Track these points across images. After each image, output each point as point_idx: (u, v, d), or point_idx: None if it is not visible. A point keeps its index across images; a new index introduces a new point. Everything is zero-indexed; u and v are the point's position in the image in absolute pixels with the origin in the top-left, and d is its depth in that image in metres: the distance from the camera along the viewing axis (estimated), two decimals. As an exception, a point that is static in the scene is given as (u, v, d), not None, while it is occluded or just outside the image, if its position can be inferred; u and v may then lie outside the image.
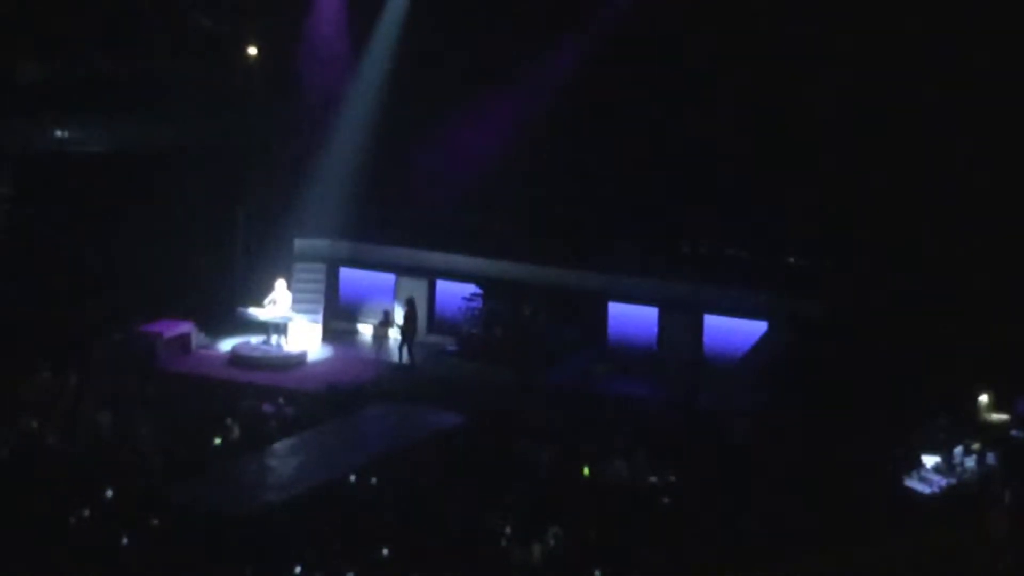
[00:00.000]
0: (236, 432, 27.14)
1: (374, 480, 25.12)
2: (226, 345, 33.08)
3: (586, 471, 25.86)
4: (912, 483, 25.48)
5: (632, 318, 32.73)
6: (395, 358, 32.67)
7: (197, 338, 33.03)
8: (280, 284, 33.01)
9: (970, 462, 26.04)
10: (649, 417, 28.90)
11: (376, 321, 33.14)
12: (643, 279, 32.63)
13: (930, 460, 25.89)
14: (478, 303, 33.21)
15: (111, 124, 34.75)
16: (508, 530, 23.10)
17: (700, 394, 30.05)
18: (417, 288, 34.32)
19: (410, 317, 32.79)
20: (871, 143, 31.36)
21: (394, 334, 33.12)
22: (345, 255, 35.05)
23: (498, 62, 34.03)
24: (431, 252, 34.24)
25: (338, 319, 34.84)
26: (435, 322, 34.50)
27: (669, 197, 33.18)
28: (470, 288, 33.45)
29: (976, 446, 26.33)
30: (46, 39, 34.65)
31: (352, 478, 25.42)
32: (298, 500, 24.63)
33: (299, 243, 34.56)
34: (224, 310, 33.58)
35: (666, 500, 24.75)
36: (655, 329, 32.56)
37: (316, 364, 32.72)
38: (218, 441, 26.85)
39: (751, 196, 32.26)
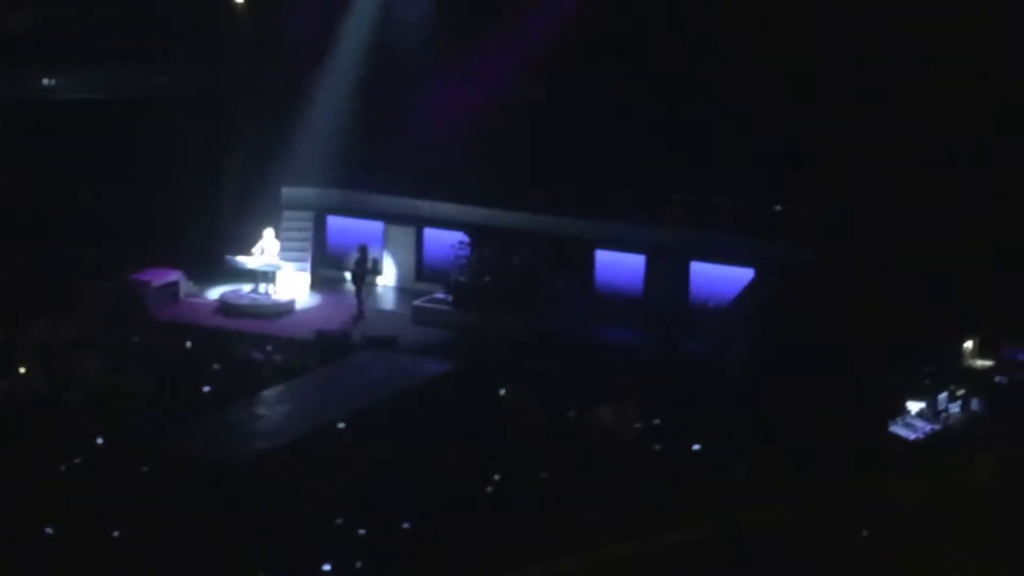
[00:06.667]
0: (225, 380, 27.28)
1: (363, 427, 25.29)
2: (214, 293, 33.15)
3: (570, 417, 26.06)
4: (897, 429, 25.63)
5: (619, 265, 32.82)
6: (381, 305, 32.80)
7: (186, 286, 33.07)
8: (268, 232, 33.06)
9: (955, 408, 26.20)
10: (637, 364, 29.03)
11: (353, 266, 33.08)
12: (630, 226, 32.68)
13: (915, 406, 26.04)
14: (467, 251, 33.23)
15: (98, 71, 34.63)
16: (496, 476, 23.31)
17: (687, 341, 30.16)
18: (405, 236, 34.46)
19: (361, 264, 32.78)
20: (860, 78, 31.32)
21: (381, 280, 33.30)
22: (333, 203, 35.07)
23: (490, 8, 34.01)
24: (419, 200, 34.26)
25: (326, 267, 34.92)
26: (424, 270, 34.60)
27: (656, 145, 33.12)
28: (458, 236, 33.46)
29: (961, 392, 26.49)
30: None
31: (341, 425, 25.62)
32: (288, 447, 24.80)
33: (287, 191, 34.58)
34: (213, 258, 33.62)
35: (656, 447, 24.97)
36: (642, 276, 32.65)
37: (304, 312, 32.80)
38: (207, 389, 27.00)
39: (738, 143, 32.24)
